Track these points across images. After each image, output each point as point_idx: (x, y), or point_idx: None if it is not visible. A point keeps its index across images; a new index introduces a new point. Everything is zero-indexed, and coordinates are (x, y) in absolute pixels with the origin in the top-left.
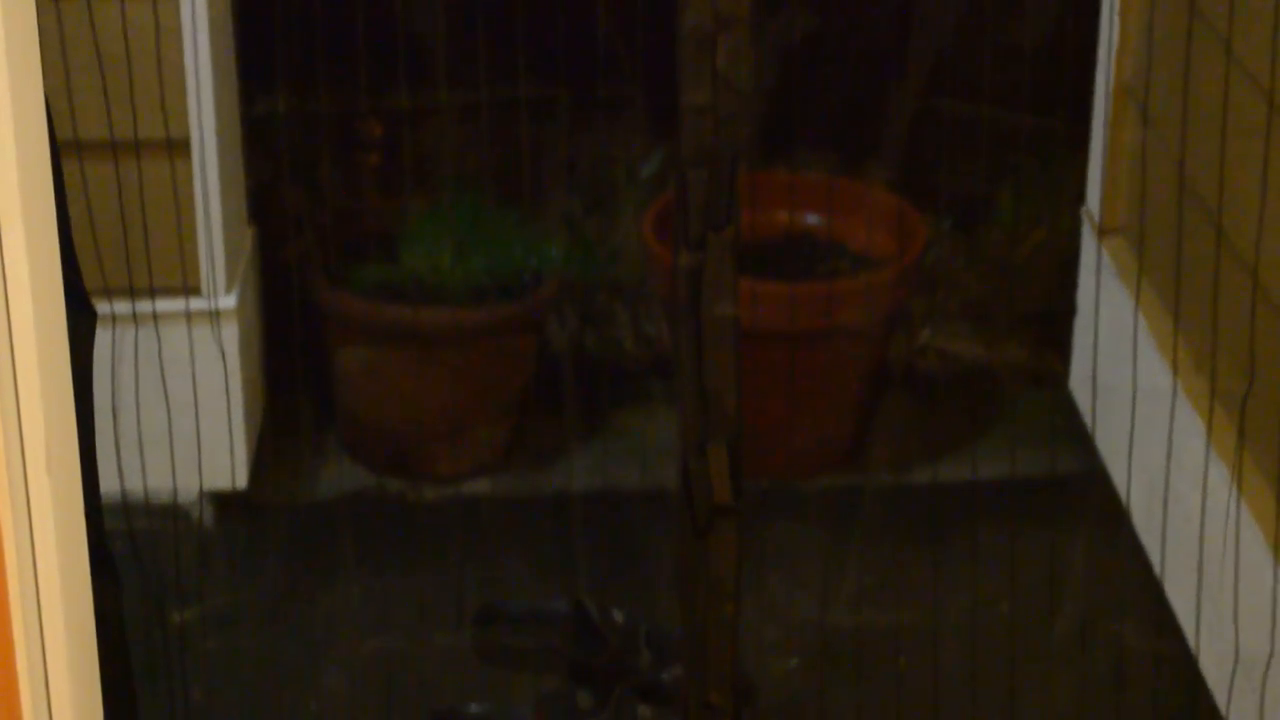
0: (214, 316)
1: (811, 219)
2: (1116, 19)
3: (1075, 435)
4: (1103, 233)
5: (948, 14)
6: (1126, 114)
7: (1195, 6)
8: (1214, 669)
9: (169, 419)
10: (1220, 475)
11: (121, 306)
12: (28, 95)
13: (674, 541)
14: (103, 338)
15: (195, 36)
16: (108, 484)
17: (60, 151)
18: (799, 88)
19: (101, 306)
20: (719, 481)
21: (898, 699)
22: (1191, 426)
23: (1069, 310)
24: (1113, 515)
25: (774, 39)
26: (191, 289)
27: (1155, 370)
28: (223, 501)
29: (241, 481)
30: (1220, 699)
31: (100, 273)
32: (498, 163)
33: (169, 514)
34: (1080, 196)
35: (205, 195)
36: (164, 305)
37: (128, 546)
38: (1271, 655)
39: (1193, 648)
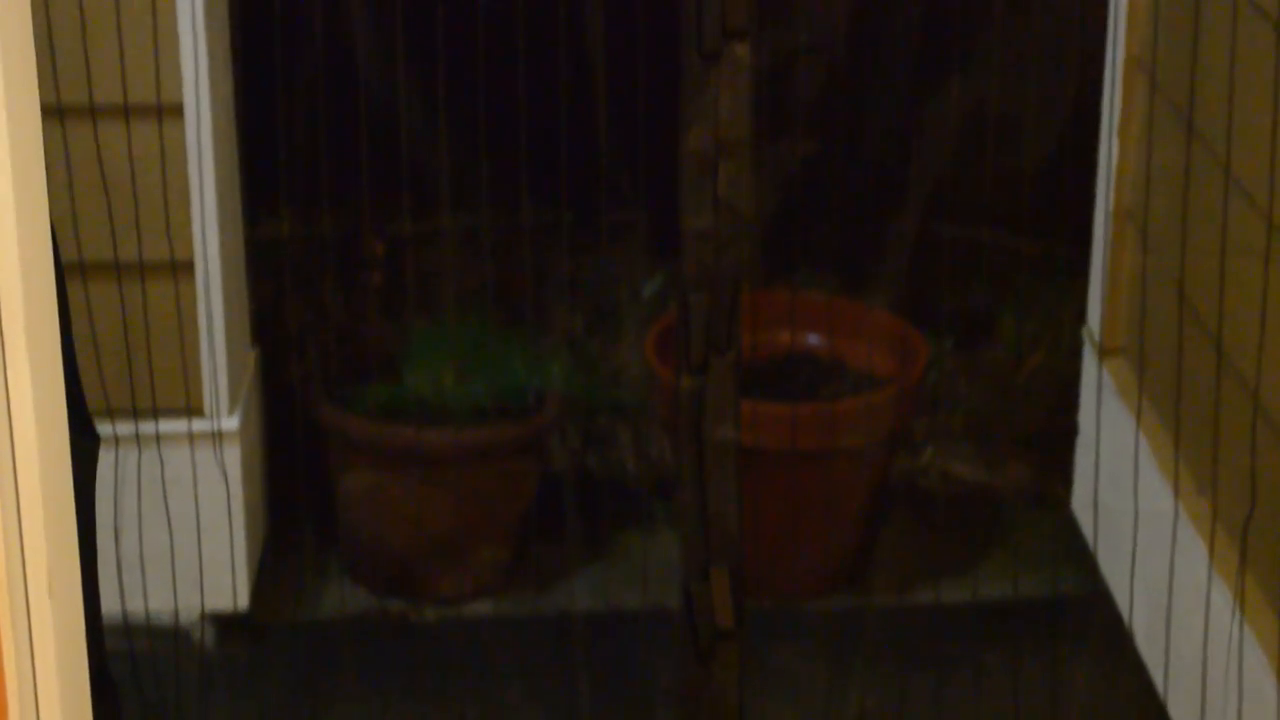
0: (216, 438)
1: (813, 339)
2: (1116, 142)
3: (1078, 556)
4: (1104, 353)
5: (948, 138)
6: (1126, 236)
7: (1193, 129)
8: None
9: (170, 540)
10: (1223, 597)
11: (125, 427)
12: (32, 218)
13: (676, 665)
14: (105, 458)
15: (200, 159)
16: (109, 604)
17: (65, 273)
18: (800, 209)
19: (104, 427)
20: (721, 606)
21: None
22: (1194, 548)
23: (1071, 430)
24: (1116, 637)
25: (775, 163)
26: (194, 410)
27: (1157, 492)
28: (224, 622)
29: (243, 602)
30: None
31: (103, 394)
32: (500, 283)
33: (170, 635)
34: (1081, 317)
35: (209, 317)
36: (167, 426)
37: (128, 668)
38: None
39: None
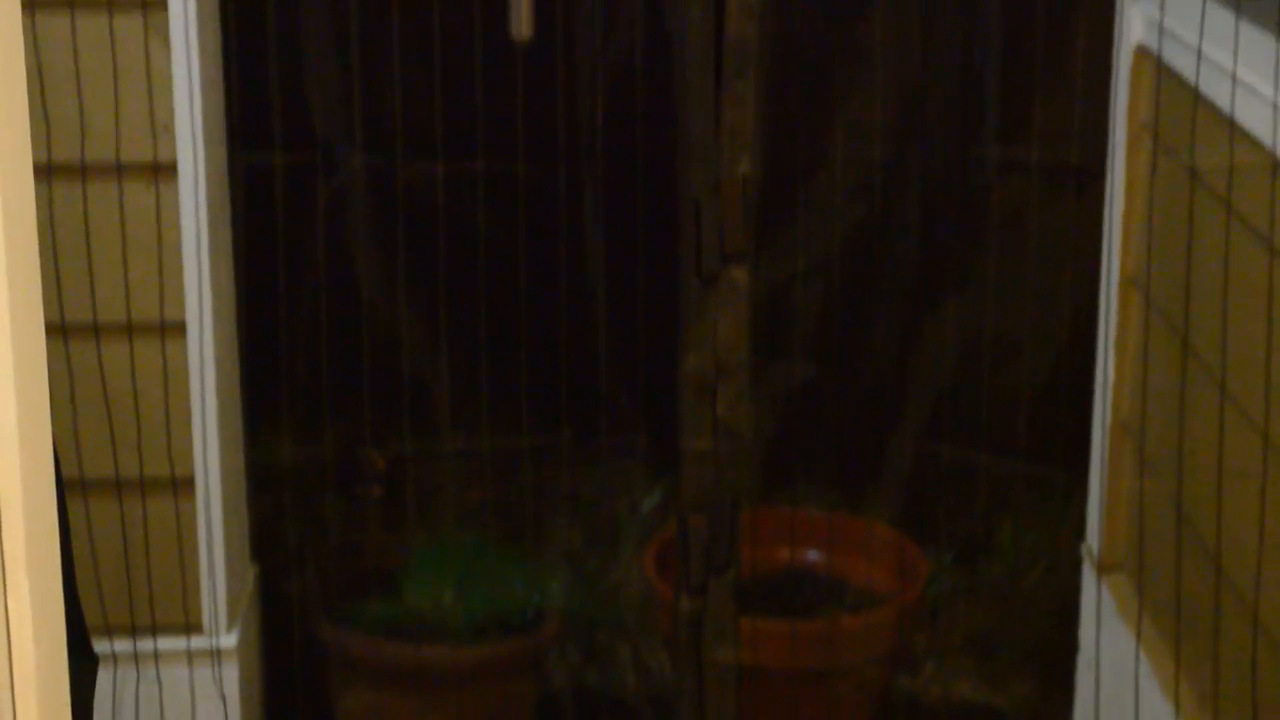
0: (215, 655)
1: (812, 555)
2: (1112, 359)
3: None
4: (1103, 569)
5: (945, 358)
6: (1124, 452)
7: (1189, 347)
8: None
9: None
10: None
11: (123, 645)
12: (34, 434)
13: None
14: (103, 677)
15: (202, 377)
16: None
17: (65, 490)
18: (799, 428)
19: (102, 645)
20: None
21: None
22: None
23: (1072, 646)
24: None
25: (774, 385)
26: (193, 627)
27: (1159, 710)
28: None
29: None
30: None
31: (102, 611)
32: (499, 499)
33: None
34: (1080, 532)
35: (209, 533)
36: (165, 644)
37: None
38: None
39: None
